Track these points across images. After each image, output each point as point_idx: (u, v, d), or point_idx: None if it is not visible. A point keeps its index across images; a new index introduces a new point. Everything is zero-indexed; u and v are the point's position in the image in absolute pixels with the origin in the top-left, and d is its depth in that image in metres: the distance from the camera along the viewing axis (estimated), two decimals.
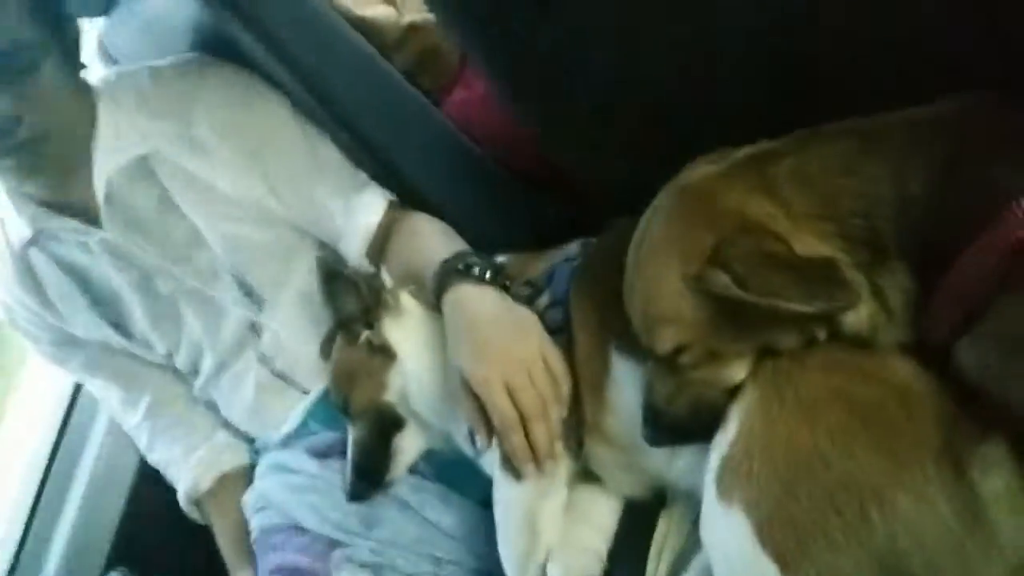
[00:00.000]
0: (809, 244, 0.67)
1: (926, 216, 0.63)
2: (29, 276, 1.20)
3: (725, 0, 0.77)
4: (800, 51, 0.76)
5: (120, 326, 1.22)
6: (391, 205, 1.18)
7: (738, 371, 0.73)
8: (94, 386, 1.31)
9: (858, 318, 0.68)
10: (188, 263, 1.16)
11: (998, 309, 0.60)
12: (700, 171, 0.74)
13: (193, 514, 1.27)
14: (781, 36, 0.76)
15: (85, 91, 1.14)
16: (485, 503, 0.99)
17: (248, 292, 1.18)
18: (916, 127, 0.66)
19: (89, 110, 1.13)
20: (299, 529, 1.11)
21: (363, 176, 1.19)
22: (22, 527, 1.27)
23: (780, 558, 0.67)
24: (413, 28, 1.28)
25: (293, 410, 1.20)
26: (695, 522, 0.76)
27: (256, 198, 1.16)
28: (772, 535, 0.67)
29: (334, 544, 1.08)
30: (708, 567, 0.75)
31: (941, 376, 0.67)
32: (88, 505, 1.30)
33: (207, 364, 1.22)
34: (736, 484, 0.70)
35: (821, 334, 0.70)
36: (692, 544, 0.83)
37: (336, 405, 1.11)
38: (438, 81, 1.33)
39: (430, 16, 1.27)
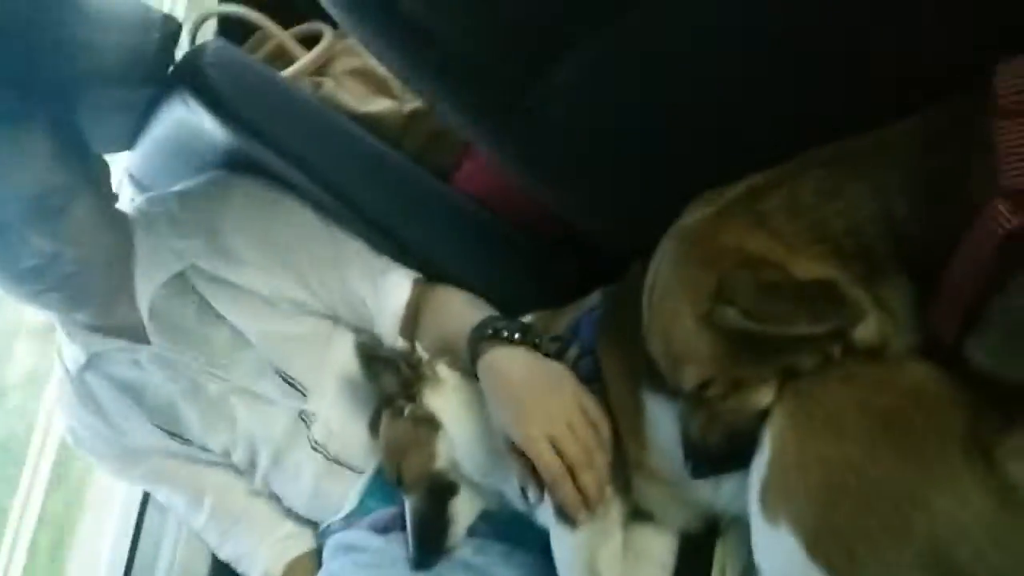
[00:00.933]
0: (807, 268, 0.70)
1: (913, 226, 0.67)
2: (89, 399, 1.27)
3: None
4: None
5: (177, 434, 1.28)
6: (416, 283, 1.23)
7: (764, 396, 0.76)
8: (160, 494, 1.36)
9: (867, 331, 0.71)
10: (233, 364, 1.23)
11: (997, 302, 0.63)
12: (697, 214, 0.79)
13: None
14: None
15: (120, 221, 1.22)
16: (546, 552, 1.00)
17: (291, 383, 1.23)
18: (890, 145, 0.71)
19: (126, 238, 1.21)
20: None
21: (386, 259, 1.25)
22: None
23: (832, 568, 0.68)
24: (414, 115, 1.35)
25: (351, 491, 1.25)
26: (749, 544, 0.77)
27: (289, 295, 1.22)
28: (820, 548, 0.69)
29: None
30: None
31: (958, 373, 0.69)
32: None
33: (263, 458, 1.27)
34: (779, 503, 0.72)
35: (836, 351, 0.73)
36: (750, 567, 0.83)
37: (390, 480, 1.15)
38: (446, 159, 1.38)
39: None
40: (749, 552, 0.79)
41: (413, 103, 1.34)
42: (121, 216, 1.23)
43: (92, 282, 1.14)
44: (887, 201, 0.68)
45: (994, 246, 0.62)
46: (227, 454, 1.30)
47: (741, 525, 0.83)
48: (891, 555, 0.66)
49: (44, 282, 1.09)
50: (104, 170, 1.20)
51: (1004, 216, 0.60)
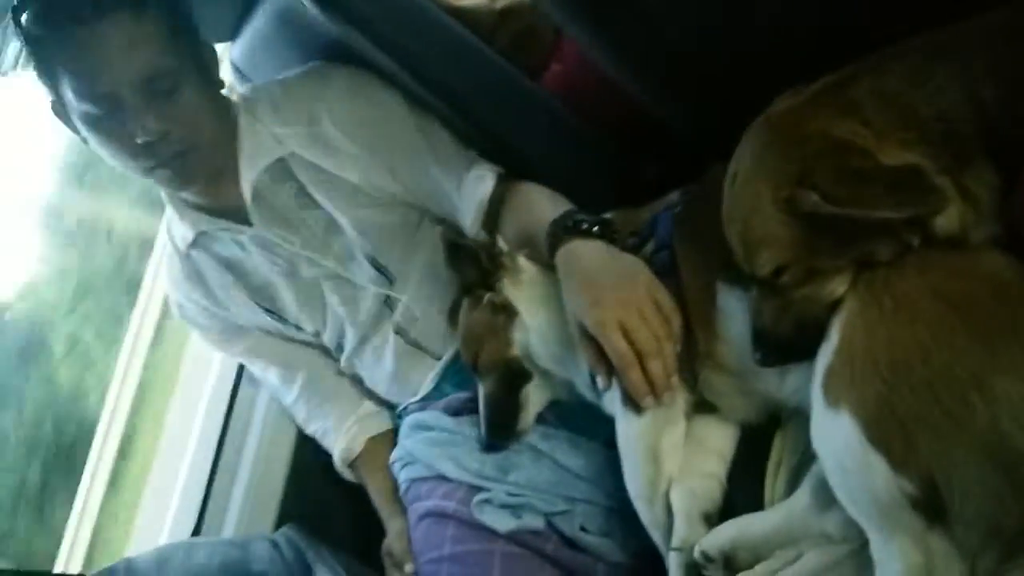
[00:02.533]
0: (894, 155, 0.70)
1: (1001, 112, 0.66)
2: (195, 274, 1.37)
3: None
4: None
5: (274, 312, 1.37)
6: (500, 178, 1.26)
7: (838, 285, 0.76)
8: (255, 368, 1.46)
9: (948, 219, 0.71)
10: (327, 249, 1.30)
11: None
12: (783, 104, 0.79)
13: (347, 475, 1.40)
14: None
15: (225, 107, 1.28)
16: (610, 444, 1.05)
17: (379, 269, 1.30)
18: (979, 32, 0.69)
19: (231, 123, 1.27)
20: (443, 479, 1.20)
21: (473, 154, 1.29)
22: (203, 490, 1.44)
23: (889, 454, 0.70)
24: (506, 12, 1.37)
25: (428, 375, 1.31)
26: (808, 438, 0.79)
27: (379, 184, 1.27)
28: (879, 433, 0.71)
29: (475, 490, 1.17)
30: (822, 477, 0.79)
31: None
32: (257, 472, 1.45)
33: (350, 340, 1.35)
34: (841, 389, 0.74)
35: (915, 240, 0.73)
36: (806, 459, 0.86)
37: (466, 365, 1.20)
38: (535, 58, 1.40)
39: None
40: (807, 444, 0.81)
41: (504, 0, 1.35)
42: (226, 102, 1.30)
43: (198, 162, 1.21)
44: (975, 85, 0.67)
45: None
46: (317, 335, 1.38)
47: (802, 418, 0.84)
48: (951, 441, 0.67)
49: (155, 159, 1.17)
50: (212, 57, 1.26)
51: None
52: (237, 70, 1.50)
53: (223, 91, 1.29)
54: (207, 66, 1.23)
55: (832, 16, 0.83)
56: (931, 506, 0.70)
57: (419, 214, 1.32)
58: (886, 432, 0.70)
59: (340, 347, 1.38)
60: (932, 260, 0.73)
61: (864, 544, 0.76)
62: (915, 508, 0.70)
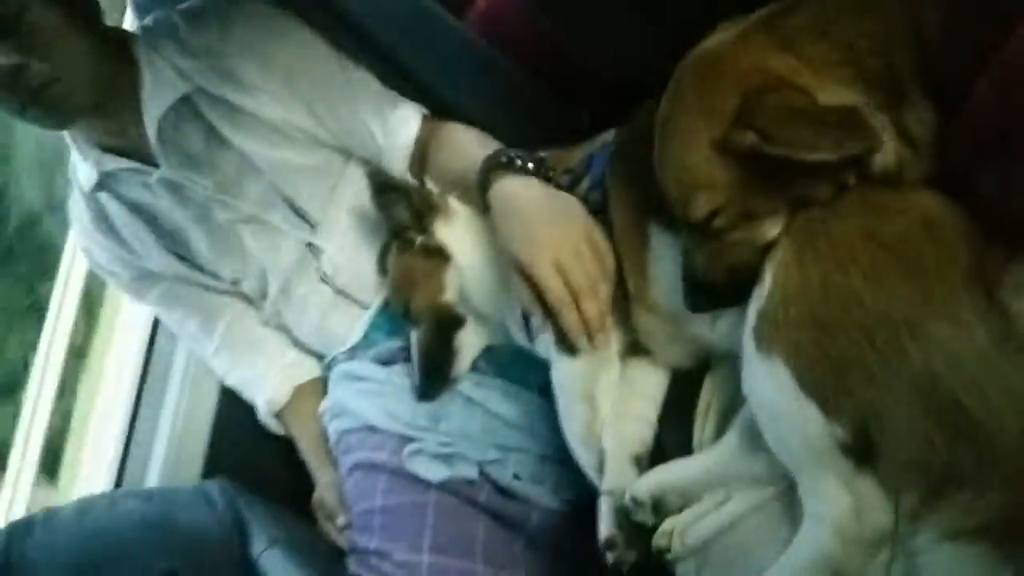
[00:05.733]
0: (832, 92, 0.68)
1: (941, 48, 0.64)
2: (102, 218, 1.29)
3: None
4: None
5: (187, 259, 1.30)
6: (426, 118, 1.21)
7: (772, 228, 0.75)
8: (172, 319, 1.39)
9: (885, 158, 0.69)
10: (241, 192, 1.22)
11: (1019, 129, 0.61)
12: (716, 38, 0.76)
13: (273, 427, 1.35)
14: None
15: (112, 37, 1.18)
16: (543, 392, 1.04)
17: (301, 214, 1.23)
18: None
19: (124, 56, 1.18)
20: (373, 429, 1.18)
21: (395, 94, 1.23)
22: (122, 444, 1.39)
23: (821, 399, 0.70)
24: None
25: (357, 324, 1.27)
26: (738, 381, 0.79)
27: (297, 123, 1.20)
28: (811, 378, 0.70)
29: (406, 440, 1.15)
30: (751, 421, 0.79)
31: (970, 205, 0.68)
32: (179, 424, 1.40)
33: (272, 288, 1.29)
34: (774, 334, 0.73)
35: (851, 180, 0.72)
36: (736, 403, 0.86)
37: (397, 311, 1.17)
38: None
39: None
40: (736, 388, 0.81)
41: None
42: (113, 32, 1.20)
43: (69, 95, 1.11)
44: (917, 21, 0.65)
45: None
46: (236, 283, 1.32)
47: (732, 362, 0.84)
48: (884, 386, 0.67)
49: (19, 95, 1.07)
50: None
51: None
52: (136, 3, 1.38)
53: (120, 23, 1.18)
54: None
55: None
56: (861, 450, 0.70)
57: (342, 157, 1.25)
58: (819, 378, 0.70)
59: (263, 295, 1.32)
60: (867, 201, 0.72)
61: (791, 486, 0.77)
62: (845, 452, 0.71)
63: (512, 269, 0.96)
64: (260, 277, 1.30)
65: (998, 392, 0.65)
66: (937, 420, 0.66)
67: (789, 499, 0.78)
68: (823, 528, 0.73)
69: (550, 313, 0.93)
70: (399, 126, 1.20)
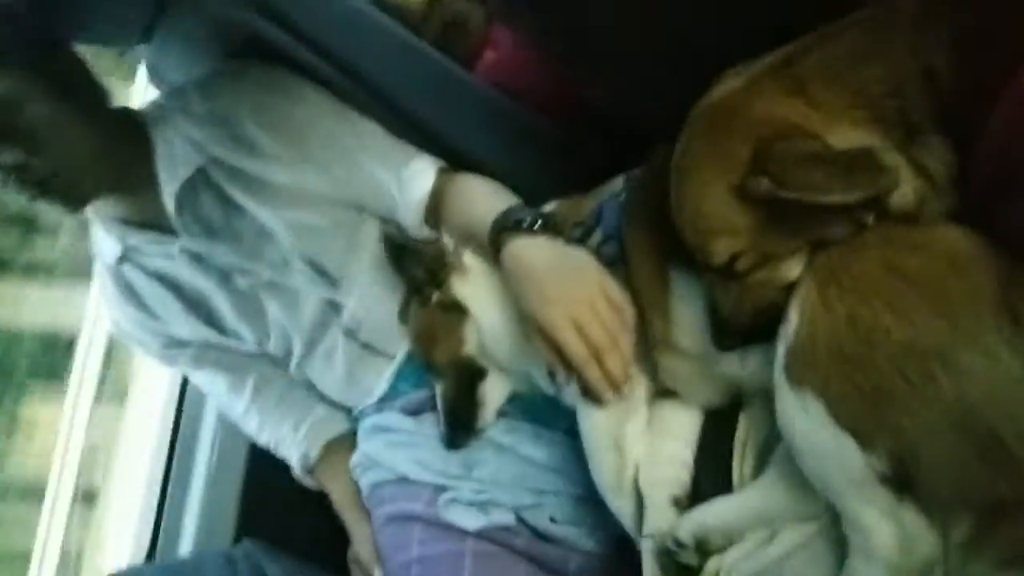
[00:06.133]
0: (844, 135, 0.70)
1: (952, 88, 0.65)
2: (128, 290, 1.30)
3: None
4: None
5: (213, 323, 1.31)
6: (440, 171, 1.22)
7: (794, 268, 0.76)
8: (201, 380, 1.40)
9: (902, 196, 0.70)
10: (260, 257, 1.24)
11: None
12: (727, 85, 0.77)
13: (308, 483, 1.35)
14: None
15: (120, 117, 1.20)
16: (574, 433, 1.04)
17: (321, 272, 1.24)
18: (927, 3, 0.68)
19: (138, 134, 1.20)
20: (406, 480, 1.18)
21: (410, 148, 1.24)
22: (155, 508, 1.39)
23: (856, 432, 0.70)
24: (434, 1, 1.32)
25: (383, 375, 1.27)
26: (772, 417, 0.79)
27: (310, 185, 1.21)
28: (845, 412, 0.71)
29: (440, 489, 1.15)
30: (789, 456, 0.79)
31: (992, 237, 0.69)
32: (212, 485, 1.41)
33: (296, 346, 1.30)
34: (804, 371, 0.73)
35: (869, 219, 0.72)
36: (772, 438, 0.87)
37: (421, 363, 1.18)
38: (467, 47, 1.36)
39: None
40: (771, 424, 0.82)
41: None
42: (124, 114, 1.23)
43: (79, 185, 1.13)
44: (926, 60, 0.66)
45: None
46: (261, 344, 1.33)
47: (764, 399, 0.84)
48: (918, 417, 0.68)
49: (29, 191, 1.09)
50: (68, 64, 1.15)
51: None
52: (154, 75, 1.41)
53: (135, 103, 1.21)
54: (59, 76, 1.11)
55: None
56: (900, 480, 0.71)
57: (357, 213, 1.26)
58: (852, 412, 0.71)
59: (288, 354, 1.33)
60: (887, 236, 0.73)
61: (836, 521, 0.77)
62: (884, 484, 0.71)
63: (532, 329, 0.97)
64: (283, 337, 1.30)
65: None
66: (974, 451, 0.67)
67: (834, 534, 0.78)
68: (870, 561, 0.73)
69: (573, 369, 0.94)
70: (413, 180, 1.22)
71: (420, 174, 1.22)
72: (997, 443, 0.65)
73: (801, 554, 0.81)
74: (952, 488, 0.68)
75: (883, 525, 0.72)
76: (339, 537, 1.31)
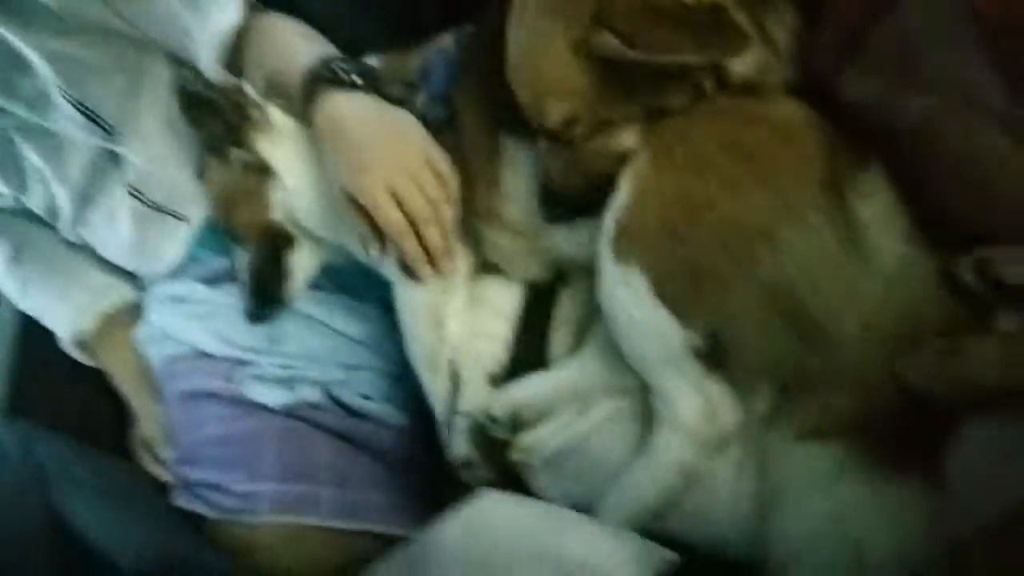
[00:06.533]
0: None
1: None
2: None
3: None
4: None
5: None
6: (246, 3, 1.04)
7: (628, 137, 0.74)
8: None
9: (745, 63, 0.69)
10: (14, 92, 1.03)
11: (878, 35, 0.62)
12: None
13: (79, 357, 1.21)
14: None
15: None
16: (389, 307, 1.00)
17: (92, 118, 1.05)
18: None
19: None
20: (203, 355, 1.09)
21: None
22: None
23: (675, 307, 0.71)
24: None
25: (177, 241, 1.13)
26: (593, 293, 0.79)
27: (82, 8, 1.00)
28: (668, 287, 0.71)
29: (241, 364, 1.07)
30: (607, 332, 0.79)
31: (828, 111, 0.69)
32: None
33: (64, 203, 1.12)
34: (632, 244, 0.73)
35: (709, 85, 0.70)
36: (591, 314, 0.87)
37: (222, 229, 1.06)
38: None
39: None
40: (591, 301, 0.81)
41: None
42: None
43: None
44: None
45: None
46: (19, 199, 1.14)
47: (587, 275, 0.83)
48: (738, 293, 0.69)
49: None
50: None
51: None
52: None
53: None
54: None
55: None
56: (713, 354, 0.73)
57: (141, 54, 1.07)
58: (675, 288, 0.71)
59: (53, 212, 1.14)
60: (725, 109, 0.71)
61: (646, 396, 0.79)
62: (698, 357, 0.73)
63: (344, 197, 0.89)
64: (47, 192, 1.12)
65: (840, 295, 0.68)
66: (784, 324, 0.69)
67: (643, 409, 0.80)
68: (675, 431, 0.76)
69: (389, 244, 0.88)
70: (213, 10, 1.02)
71: (222, 8, 1.04)
72: (808, 318, 0.68)
73: (609, 427, 0.82)
74: (762, 361, 0.71)
75: (690, 397, 0.74)
76: (119, 417, 1.20)
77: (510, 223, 0.89)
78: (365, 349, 1.11)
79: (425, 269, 0.90)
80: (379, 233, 0.89)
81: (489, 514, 0.77)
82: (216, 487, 1.04)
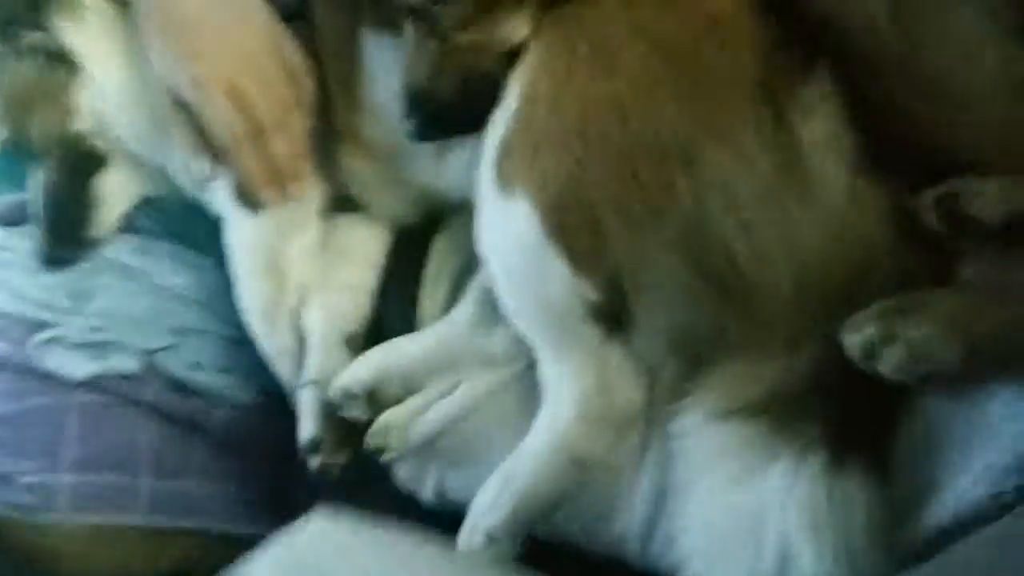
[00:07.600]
0: None
1: None
2: None
3: None
4: None
5: None
6: None
7: (517, 28, 0.63)
8: None
9: None
10: None
11: None
12: None
13: None
14: None
15: None
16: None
17: None
18: None
19: None
20: None
21: None
22: None
23: (570, 248, 0.61)
24: None
25: None
26: (471, 241, 0.69)
27: None
28: (561, 221, 0.61)
29: (36, 326, 0.93)
30: (487, 288, 0.70)
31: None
32: None
33: None
34: (518, 166, 0.62)
35: None
36: (470, 267, 0.77)
37: (13, 144, 0.90)
38: None
39: None
40: (470, 250, 0.71)
41: None
42: None
43: None
44: None
45: None
46: None
47: (465, 215, 0.73)
48: (648, 231, 0.59)
49: None
50: None
51: None
52: None
53: None
54: None
55: None
56: (612, 314, 0.63)
57: None
58: (569, 220, 0.61)
59: None
60: None
61: (531, 366, 0.69)
62: (594, 317, 0.63)
63: (168, 96, 0.78)
64: None
65: (772, 238, 0.58)
66: (702, 272, 0.60)
67: (529, 380, 0.70)
68: (564, 409, 0.66)
69: (223, 156, 0.78)
70: None
71: None
72: (732, 266, 0.58)
73: (488, 405, 0.74)
74: (671, 320, 0.61)
75: (584, 368, 0.65)
76: None
77: (369, 143, 0.79)
78: (198, 308, 0.98)
79: (267, 192, 0.79)
80: (210, 143, 0.78)
81: (312, 549, 0.62)
82: (3, 478, 0.91)
